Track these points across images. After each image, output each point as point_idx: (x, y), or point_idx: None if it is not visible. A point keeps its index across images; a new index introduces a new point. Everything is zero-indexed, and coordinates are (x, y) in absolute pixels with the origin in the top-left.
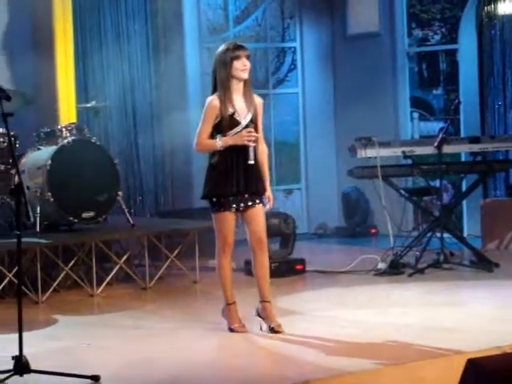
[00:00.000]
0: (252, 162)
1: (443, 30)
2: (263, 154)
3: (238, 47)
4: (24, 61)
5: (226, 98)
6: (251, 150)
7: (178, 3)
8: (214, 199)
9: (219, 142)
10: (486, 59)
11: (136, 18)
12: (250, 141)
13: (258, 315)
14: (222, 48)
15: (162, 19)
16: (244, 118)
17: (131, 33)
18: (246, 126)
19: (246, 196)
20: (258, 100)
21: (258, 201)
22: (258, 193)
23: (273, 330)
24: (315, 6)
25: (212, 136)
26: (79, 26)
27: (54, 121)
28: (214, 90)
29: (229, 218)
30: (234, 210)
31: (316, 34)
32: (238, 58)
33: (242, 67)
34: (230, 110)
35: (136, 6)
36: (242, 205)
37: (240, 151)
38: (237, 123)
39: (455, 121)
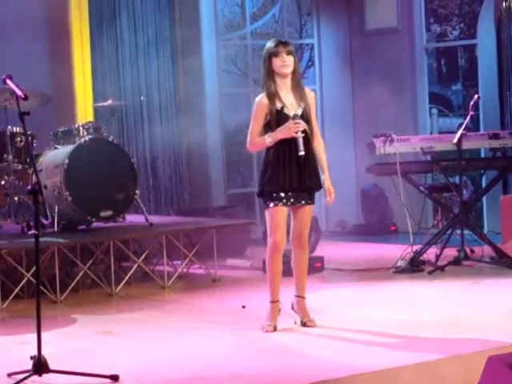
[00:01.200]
0: (302, 153)
1: (462, 25)
2: (319, 146)
3: (278, 43)
4: (41, 60)
5: (272, 94)
6: (300, 141)
7: (194, 0)
8: (267, 195)
9: (268, 138)
10: (504, 54)
11: (153, 16)
12: (297, 131)
13: (293, 309)
14: (266, 47)
15: (180, 16)
16: (294, 112)
17: (148, 31)
18: (294, 118)
19: (298, 193)
20: (310, 94)
21: (309, 200)
22: (311, 190)
23: (305, 325)
24: (332, 1)
25: (265, 134)
26: (96, 24)
27: (71, 120)
28: (264, 87)
29: (281, 213)
30: (285, 205)
31: (333, 30)
32: (276, 54)
33: (281, 63)
34: (278, 105)
35: (153, 4)
36: (292, 201)
37: (291, 145)
38: (287, 118)
39: (474, 116)
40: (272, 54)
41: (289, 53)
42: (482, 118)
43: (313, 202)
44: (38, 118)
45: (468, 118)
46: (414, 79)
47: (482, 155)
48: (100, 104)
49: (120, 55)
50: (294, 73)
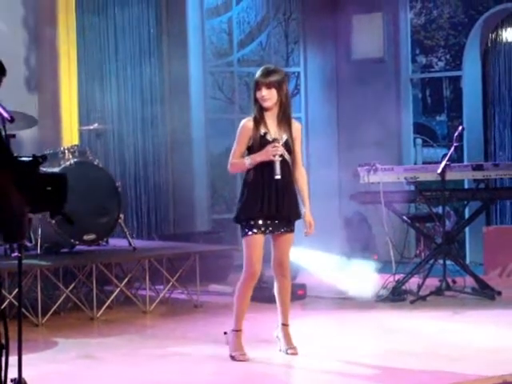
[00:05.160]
0: (278, 176)
1: (447, 56)
2: (301, 177)
3: (261, 74)
4: (27, 83)
5: (257, 120)
6: (277, 164)
7: (182, 26)
8: (244, 222)
9: (247, 160)
10: (490, 86)
11: (140, 42)
12: (275, 155)
13: (277, 337)
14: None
15: (167, 42)
16: (277, 138)
17: (135, 56)
18: (273, 141)
19: (277, 222)
20: (296, 125)
21: (288, 228)
22: (289, 219)
23: (288, 353)
24: (319, 30)
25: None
26: (83, 49)
27: (57, 143)
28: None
29: (259, 242)
30: (263, 233)
31: (320, 59)
32: (257, 86)
33: (259, 96)
34: (262, 131)
35: (141, 30)
36: (271, 229)
37: (270, 170)
38: (268, 143)
39: (459, 147)
40: (255, 84)
41: (269, 86)
42: (466, 149)
43: (292, 230)
44: (23, 140)
45: (452, 148)
46: (399, 109)
47: (466, 186)
48: (85, 127)
49: (107, 79)
50: (280, 103)
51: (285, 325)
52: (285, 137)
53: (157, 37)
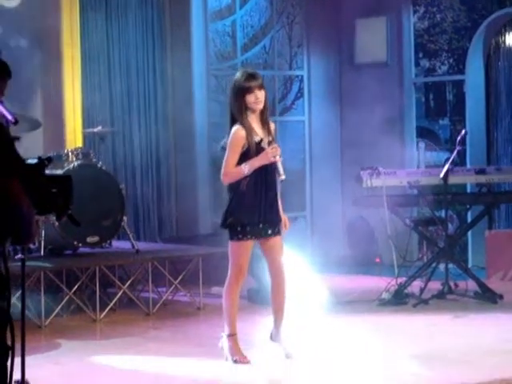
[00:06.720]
0: (284, 176)
1: (450, 60)
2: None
3: (249, 78)
4: (31, 85)
5: (248, 128)
6: (280, 165)
7: (186, 30)
8: (239, 228)
9: (246, 167)
10: (493, 90)
11: (144, 45)
12: (275, 156)
13: (271, 339)
14: (235, 79)
15: (170, 46)
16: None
17: (139, 59)
18: (269, 144)
19: (267, 225)
20: (273, 125)
21: (277, 230)
22: (277, 222)
23: (285, 356)
24: (323, 34)
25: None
26: (87, 51)
27: (61, 145)
28: (232, 120)
29: (248, 247)
30: (256, 238)
31: (323, 62)
32: (249, 90)
33: (254, 100)
34: (256, 138)
35: (144, 33)
36: (262, 233)
37: (264, 174)
38: (262, 149)
39: (461, 151)
40: (245, 90)
41: (261, 87)
42: (468, 153)
43: (280, 233)
44: (27, 142)
45: (455, 152)
46: (402, 113)
47: (468, 190)
48: (89, 130)
49: (110, 82)
50: (264, 105)
51: (278, 327)
52: (270, 138)
53: (160, 39)
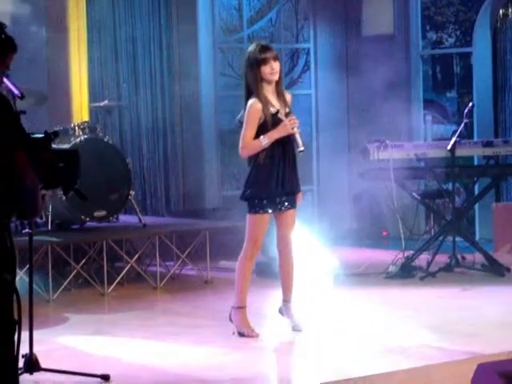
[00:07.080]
0: (302, 148)
1: (457, 32)
2: None
3: (264, 49)
4: (38, 59)
5: (265, 100)
6: (298, 137)
7: (192, 3)
8: (256, 201)
9: (264, 139)
10: (500, 63)
11: (150, 19)
12: (293, 127)
13: (280, 313)
14: (249, 51)
15: (177, 19)
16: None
17: (145, 33)
18: (287, 115)
19: (284, 198)
20: (288, 96)
21: (293, 204)
22: (294, 194)
23: (294, 329)
24: (329, 7)
25: (256, 138)
26: (93, 25)
27: (67, 119)
28: (248, 93)
29: (265, 221)
30: (273, 211)
31: (330, 35)
32: (264, 61)
33: (270, 71)
34: (273, 110)
35: (150, 7)
36: (279, 207)
37: (284, 146)
38: (280, 122)
39: (469, 124)
40: (260, 61)
41: (275, 58)
42: (476, 126)
43: (296, 206)
44: (33, 116)
45: (462, 125)
46: (408, 85)
47: (476, 163)
48: (96, 104)
49: (117, 56)
50: (279, 76)
51: (287, 301)
52: (287, 109)
53: (166, 13)
